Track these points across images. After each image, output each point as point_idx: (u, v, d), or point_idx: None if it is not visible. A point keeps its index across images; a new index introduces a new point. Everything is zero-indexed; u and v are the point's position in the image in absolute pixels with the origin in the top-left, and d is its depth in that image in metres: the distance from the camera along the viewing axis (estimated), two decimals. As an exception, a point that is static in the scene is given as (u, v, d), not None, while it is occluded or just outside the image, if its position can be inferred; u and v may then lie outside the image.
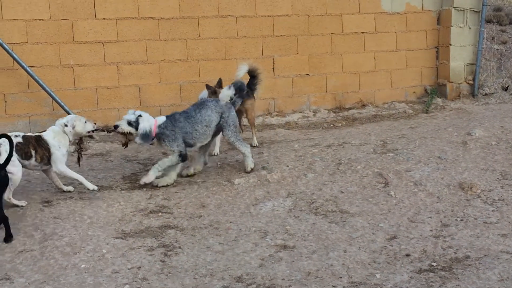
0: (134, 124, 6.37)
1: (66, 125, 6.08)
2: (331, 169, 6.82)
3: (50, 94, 8.35)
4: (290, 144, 7.91)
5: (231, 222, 5.75)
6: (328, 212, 5.87)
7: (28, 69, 8.26)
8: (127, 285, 4.62)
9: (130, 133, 6.41)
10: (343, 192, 6.30)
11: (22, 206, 5.84)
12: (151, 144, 6.65)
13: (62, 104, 8.36)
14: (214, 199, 6.24)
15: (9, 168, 5.36)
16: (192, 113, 6.64)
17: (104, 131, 6.46)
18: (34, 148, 5.88)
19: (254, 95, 8.21)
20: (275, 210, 5.96)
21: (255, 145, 7.99)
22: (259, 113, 9.60)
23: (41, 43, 8.55)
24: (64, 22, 8.64)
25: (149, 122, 6.40)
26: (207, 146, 6.91)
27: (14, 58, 8.21)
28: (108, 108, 8.94)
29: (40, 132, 6.11)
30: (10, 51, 8.16)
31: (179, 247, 5.25)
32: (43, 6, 8.51)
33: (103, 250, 5.17)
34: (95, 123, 6.39)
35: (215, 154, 7.65)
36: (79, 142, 6.41)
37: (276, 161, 7.06)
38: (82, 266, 4.92)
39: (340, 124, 9.49)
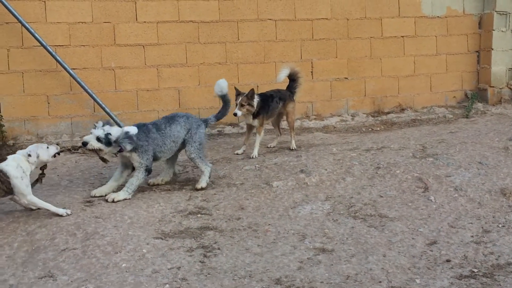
0: (104, 140, 6.06)
1: (29, 155, 5.68)
2: (370, 173, 6.79)
3: (91, 96, 8.48)
4: (328, 147, 7.89)
5: (269, 224, 5.77)
6: (367, 216, 5.85)
7: (70, 71, 8.40)
8: (167, 285, 4.67)
9: (100, 149, 6.10)
10: (382, 196, 6.27)
11: None
12: (116, 154, 6.30)
13: (104, 105, 8.48)
14: (252, 202, 6.27)
15: None
16: (162, 126, 6.49)
17: (70, 150, 6.19)
18: None
19: (294, 98, 8.24)
20: (313, 213, 5.96)
21: (293, 148, 8.00)
22: (297, 117, 9.60)
23: (84, 45, 8.69)
24: (106, 25, 8.77)
25: (117, 132, 6.13)
26: (174, 157, 6.85)
27: (57, 60, 8.36)
28: (148, 110, 9.04)
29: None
30: (53, 53, 8.32)
31: (218, 248, 5.28)
32: (86, 10, 8.66)
33: (143, 250, 5.23)
34: (57, 144, 6.01)
35: (253, 156, 7.68)
36: (42, 167, 6.00)
37: (314, 165, 7.06)
38: (123, 265, 4.99)
39: (378, 128, 9.44)
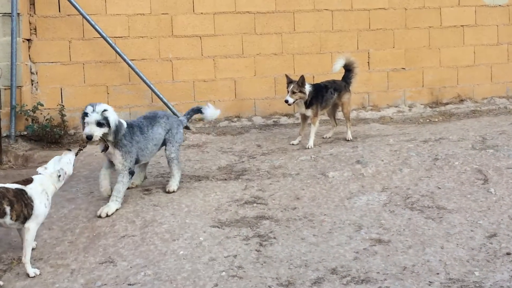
0: (105, 121, 5.57)
1: (59, 176, 5.05)
2: (428, 165, 6.70)
3: (149, 87, 8.63)
4: (385, 138, 7.82)
5: (325, 214, 5.76)
6: (424, 208, 5.78)
7: (129, 62, 8.56)
8: (224, 273, 4.73)
9: (105, 134, 5.64)
10: (440, 188, 6.18)
11: None
12: (103, 150, 5.89)
13: (161, 96, 8.61)
14: (308, 192, 6.27)
15: None
16: (145, 129, 6.05)
17: (81, 150, 5.66)
18: (9, 203, 4.68)
19: (350, 89, 8.19)
20: (369, 204, 5.93)
21: (349, 139, 7.95)
22: (353, 107, 9.54)
23: (142, 37, 8.84)
24: (164, 17, 8.90)
25: (115, 113, 5.71)
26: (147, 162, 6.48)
27: (116, 52, 8.54)
28: (204, 101, 9.10)
29: (23, 184, 4.87)
30: (113, 45, 8.50)
31: (274, 238, 5.31)
32: (145, 1, 8.80)
33: (200, 238, 5.31)
34: (69, 150, 5.41)
35: (309, 147, 7.68)
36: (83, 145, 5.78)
37: (370, 155, 7.01)
38: (181, 252, 5.08)
39: (436, 120, 9.29)
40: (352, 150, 7.28)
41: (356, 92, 9.55)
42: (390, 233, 5.31)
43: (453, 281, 4.44)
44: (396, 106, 9.86)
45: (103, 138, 5.67)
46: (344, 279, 4.56)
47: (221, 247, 5.16)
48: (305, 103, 7.73)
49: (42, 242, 5.31)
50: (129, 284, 4.65)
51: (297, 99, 7.66)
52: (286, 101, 7.63)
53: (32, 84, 8.52)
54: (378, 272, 4.63)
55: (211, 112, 6.71)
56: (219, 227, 5.52)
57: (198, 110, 6.76)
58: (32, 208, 4.79)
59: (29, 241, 4.80)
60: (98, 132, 5.56)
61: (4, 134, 8.04)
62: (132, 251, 5.14)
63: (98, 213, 5.74)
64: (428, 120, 9.29)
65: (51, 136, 8.16)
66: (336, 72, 8.20)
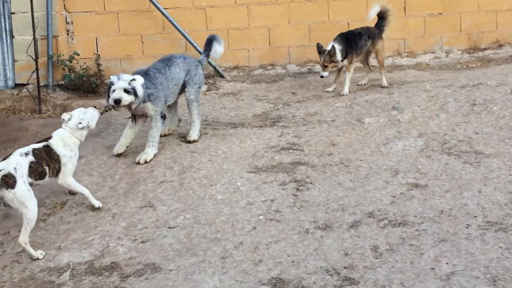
0: (132, 90, 5.58)
1: (80, 124, 5.05)
2: (465, 110, 6.63)
3: (183, 35, 8.62)
4: (421, 84, 7.74)
5: (361, 160, 5.77)
6: (461, 153, 5.75)
7: (163, 10, 8.55)
8: (261, 216, 4.80)
9: (132, 102, 5.64)
10: (477, 133, 6.12)
11: (38, 258, 4.54)
12: (131, 119, 5.92)
13: (195, 44, 8.61)
14: (344, 138, 6.27)
15: (26, 203, 4.47)
16: (163, 70, 6.03)
17: (106, 111, 5.61)
18: (47, 163, 4.82)
19: (383, 36, 8.08)
20: (406, 150, 5.91)
21: (384, 86, 7.89)
22: (388, 54, 9.42)
23: (175, -15, 8.80)
24: (197, -36, 8.82)
25: (140, 84, 5.67)
26: (175, 103, 6.44)
27: (150, 0, 8.52)
28: (238, 49, 9.11)
29: (46, 140, 4.97)
30: (146, -7, 8.48)
31: (311, 183, 5.35)
32: (177, -51, 8.72)
33: (237, 183, 5.37)
34: (95, 107, 5.40)
35: (344, 94, 7.64)
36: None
37: (407, 101, 6.95)
38: (219, 197, 5.16)
39: (474, 65, 9.13)
40: (388, 96, 7.23)
41: (392, 38, 9.39)
42: (427, 177, 5.31)
43: (490, 224, 4.45)
44: (433, 52, 9.70)
45: (129, 106, 5.66)
46: (381, 222, 4.59)
47: (258, 192, 5.22)
48: (344, 56, 7.68)
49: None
50: (169, 227, 4.76)
51: (332, 70, 7.69)
52: (322, 77, 7.71)
53: (68, 34, 8.58)
54: (415, 216, 4.65)
55: (218, 49, 6.59)
56: (255, 173, 5.58)
57: (210, 42, 6.58)
58: (59, 162, 4.90)
59: (76, 186, 5.04)
60: (126, 97, 5.56)
61: (42, 84, 8.16)
62: (171, 196, 5.23)
63: (137, 160, 5.83)
64: (465, 66, 9.13)
65: (87, 85, 8.26)
66: (371, 19, 8.09)
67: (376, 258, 4.10)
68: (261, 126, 6.74)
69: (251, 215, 4.83)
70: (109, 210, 5.13)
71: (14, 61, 8.32)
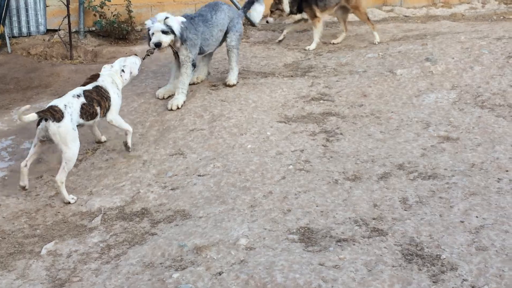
0: (170, 29, 5.64)
1: (123, 71, 5.25)
2: (500, 62, 6.50)
3: (215, -18, 8.51)
4: (455, 36, 7.58)
5: (392, 112, 5.72)
6: (495, 106, 5.66)
7: (194, -43, 8.43)
8: (291, 166, 4.81)
9: (172, 41, 5.71)
10: (512, 87, 6.01)
11: (69, 202, 4.65)
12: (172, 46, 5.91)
13: (228, -8, 8.51)
14: (375, 89, 6.21)
15: (68, 141, 4.59)
16: (208, 15, 6.06)
17: (148, 55, 5.73)
18: (98, 103, 4.97)
19: None
20: (438, 102, 5.84)
21: (376, 42, 7.62)
22: (423, 4, 9.23)
23: None
24: None
25: (176, 20, 5.73)
26: (210, 55, 6.49)
27: None
28: (269, -3, 8.97)
29: (94, 80, 5.13)
30: None
31: (341, 134, 5.34)
32: None
33: (267, 133, 5.38)
34: (136, 55, 5.65)
35: (376, 42, 7.53)
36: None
37: (440, 53, 6.83)
38: (248, 146, 5.17)
39: (511, 16, 8.90)
40: (422, 47, 7.10)
41: (427, -13, 9.23)
42: (459, 130, 5.25)
43: (523, 179, 4.41)
44: (468, 3, 9.47)
45: (171, 45, 5.74)
46: (411, 174, 4.58)
47: (288, 141, 5.22)
48: (297, 8, 7.45)
49: (114, 134, 5.49)
50: (199, 175, 4.80)
51: (277, 17, 7.62)
52: (267, 22, 7.69)
53: (99, -20, 8.53)
54: (445, 169, 4.62)
55: (258, 8, 6.59)
56: (285, 123, 5.57)
57: (252, 2, 6.60)
58: (110, 99, 5.03)
59: (123, 124, 5.18)
60: (165, 39, 5.63)
61: (74, 30, 8.16)
62: (201, 144, 5.26)
63: (169, 106, 5.87)
64: (502, 17, 8.91)
65: (118, 32, 8.25)
66: None
67: (405, 210, 4.10)
68: (292, 76, 6.70)
69: (281, 164, 4.85)
70: (140, 157, 5.19)
71: (45, 6, 8.32)
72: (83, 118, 4.80)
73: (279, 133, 5.37)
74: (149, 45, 5.76)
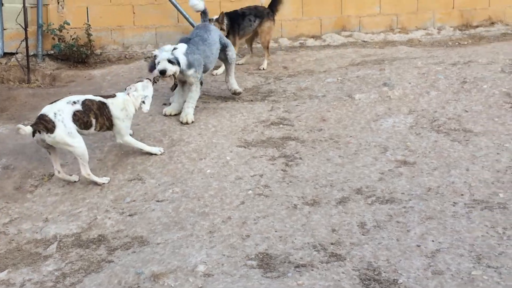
0: (175, 60, 5.83)
1: (144, 102, 5.32)
2: (455, 88, 6.63)
3: (175, 6, 8.54)
4: (412, 61, 7.71)
5: (351, 136, 5.78)
6: (450, 131, 5.76)
7: (155, -19, 8.46)
8: (250, 191, 4.82)
9: (176, 72, 5.88)
10: (467, 111, 6.13)
11: (103, 183, 5.07)
12: (173, 89, 6.10)
13: (187, 16, 8.54)
14: (334, 114, 6.27)
15: (69, 143, 4.83)
16: (205, 35, 6.29)
17: (155, 82, 5.76)
18: (95, 116, 5.09)
19: (274, 18, 7.92)
20: (395, 126, 5.92)
21: (262, 68, 7.82)
22: (381, 30, 9.40)
23: (167, -45, 8.69)
24: None
25: (182, 53, 5.92)
26: (185, 89, 6.39)
27: (142, -30, 8.43)
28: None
29: (107, 97, 5.27)
30: (138, -37, 8.37)
31: (300, 158, 5.36)
32: None
33: (227, 157, 5.38)
34: (149, 79, 5.68)
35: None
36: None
37: (398, 78, 6.94)
38: (208, 171, 5.16)
39: (465, 42, 9.11)
40: (380, 72, 7.20)
41: (385, 14, 9.38)
42: (416, 155, 5.33)
43: (477, 202, 4.48)
44: (425, 29, 9.65)
45: (173, 75, 5.88)
46: (369, 199, 4.62)
47: (247, 166, 5.23)
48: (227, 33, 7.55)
49: (71, 159, 5.41)
50: (158, 201, 4.77)
51: None
52: None
53: (58, 3, 8.46)
54: (402, 193, 4.68)
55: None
56: (245, 147, 5.58)
57: None
58: (111, 120, 5.13)
59: (134, 143, 5.36)
60: (170, 68, 5.79)
61: (32, 53, 8.08)
62: (160, 169, 5.23)
63: (183, 120, 6.02)
64: (457, 43, 9.11)
65: (77, 56, 8.18)
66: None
67: (363, 235, 4.13)
68: (252, 101, 6.73)
69: (240, 189, 4.85)
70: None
71: (3, 29, 8.22)
72: (75, 124, 4.92)
73: (238, 158, 5.37)
74: (150, 71, 6.04)
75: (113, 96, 5.29)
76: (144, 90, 5.35)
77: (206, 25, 6.53)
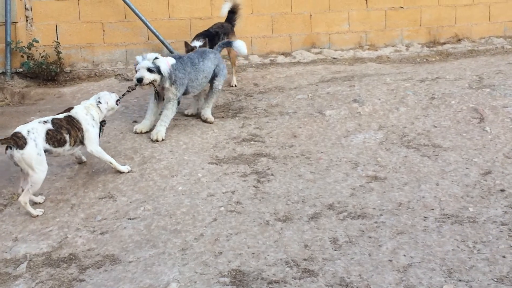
0: (156, 69, 5.85)
1: (100, 102, 5.37)
2: (424, 103, 6.73)
3: (145, 24, 8.54)
4: (382, 77, 7.81)
5: (322, 152, 5.81)
6: (420, 146, 5.83)
7: (125, -2, 8.45)
8: (222, 208, 4.81)
9: (155, 80, 5.89)
10: (436, 127, 6.22)
11: (37, 215, 4.87)
12: (155, 98, 6.21)
13: (157, 33, 8.54)
14: (305, 130, 6.31)
15: (33, 166, 4.74)
16: (196, 60, 6.33)
17: (129, 91, 5.88)
18: (67, 131, 5.08)
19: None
20: (366, 142, 5.98)
21: (233, 85, 7.89)
22: (350, 47, 9.51)
23: (137, -27, 8.69)
24: (160, -48, 8.73)
25: (165, 62, 5.95)
26: (200, 94, 6.74)
27: (112, -12, 8.41)
28: (200, 39, 9.04)
29: (67, 111, 5.26)
30: (108, -20, 8.36)
31: (272, 174, 5.38)
32: None
33: (198, 174, 5.36)
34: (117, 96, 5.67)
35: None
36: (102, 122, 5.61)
37: (367, 94, 7.01)
38: (180, 188, 5.14)
39: (433, 59, 9.26)
40: (349, 89, 7.28)
41: (354, 31, 9.50)
42: (386, 170, 5.38)
43: (447, 217, 4.54)
44: (394, 46, 9.80)
45: (153, 84, 5.90)
46: (340, 214, 4.64)
47: (219, 183, 5.22)
48: None
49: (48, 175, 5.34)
50: (129, 219, 4.73)
51: None
52: None
53: (27, 21, 8.41)
54: (374, 208, 4.71)
55: (241, 45, 6.76)
56: (217, 164, 5.58)
57: (229, 44, 6.94)
58: (82, 130, 5.14)
59: (104, 155, 5.28)
60: (148, 76, 5.81)
61: (0, 71, 7.99)
62: (131, 187, 5.20)
63: (153, 137, 5.97)
64: (425, 60, 9.26)
65: (47, 73, 8.12)
66: (223, 16, 8.03)
67: (335, 250, 4.15)
68: (223, 117, 6.74)
69: (212, 206, 4.84)
70: (68, 200, 5.07)
71: (-30, 47, 8.14)
72: (49, 144, 4.90)
73: (210, 175, 5.37)
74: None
75: (72, 107, 5.30)
76: (96, 97, 5.45)
77: (205, 52, 6.54)
